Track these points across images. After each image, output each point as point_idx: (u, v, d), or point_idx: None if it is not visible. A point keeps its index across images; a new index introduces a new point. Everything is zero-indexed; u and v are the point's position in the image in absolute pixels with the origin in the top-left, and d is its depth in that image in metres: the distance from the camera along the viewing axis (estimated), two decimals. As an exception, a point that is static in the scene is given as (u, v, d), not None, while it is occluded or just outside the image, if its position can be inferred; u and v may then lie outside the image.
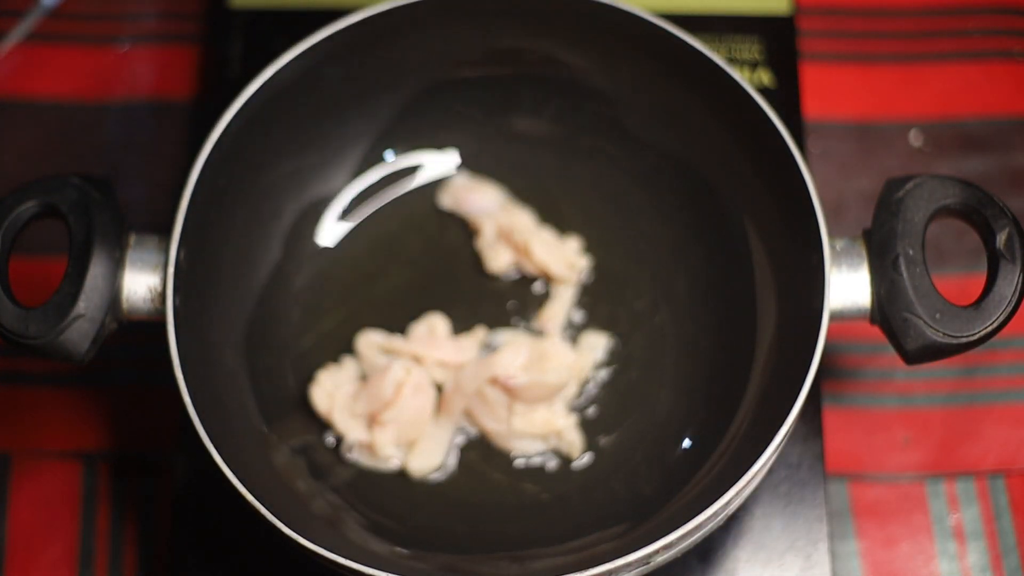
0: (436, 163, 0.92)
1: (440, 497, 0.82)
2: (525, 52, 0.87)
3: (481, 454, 0.84)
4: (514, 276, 0.89)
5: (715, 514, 0.69)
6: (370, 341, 0.85)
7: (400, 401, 0.81)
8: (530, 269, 0.88)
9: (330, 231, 0.90)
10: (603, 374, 0.86)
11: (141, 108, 1.03)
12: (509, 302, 0.88)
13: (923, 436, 0.91)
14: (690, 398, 0.84)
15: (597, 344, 0.86)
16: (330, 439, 0.83)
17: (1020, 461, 0.90)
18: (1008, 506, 0.89)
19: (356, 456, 0.82)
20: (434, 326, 0.86)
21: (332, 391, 0.83)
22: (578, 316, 0.88)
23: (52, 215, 0.73)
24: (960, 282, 0.94)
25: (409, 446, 0.82)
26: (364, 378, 0.85)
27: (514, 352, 0.82)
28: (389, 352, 0.85)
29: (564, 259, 0.87)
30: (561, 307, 0.87)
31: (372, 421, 0.82)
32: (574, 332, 0.87)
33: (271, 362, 0.84)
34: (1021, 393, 0.92)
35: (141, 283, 0.73)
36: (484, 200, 0.90)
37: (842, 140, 1.01)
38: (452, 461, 0.83)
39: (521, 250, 0.87)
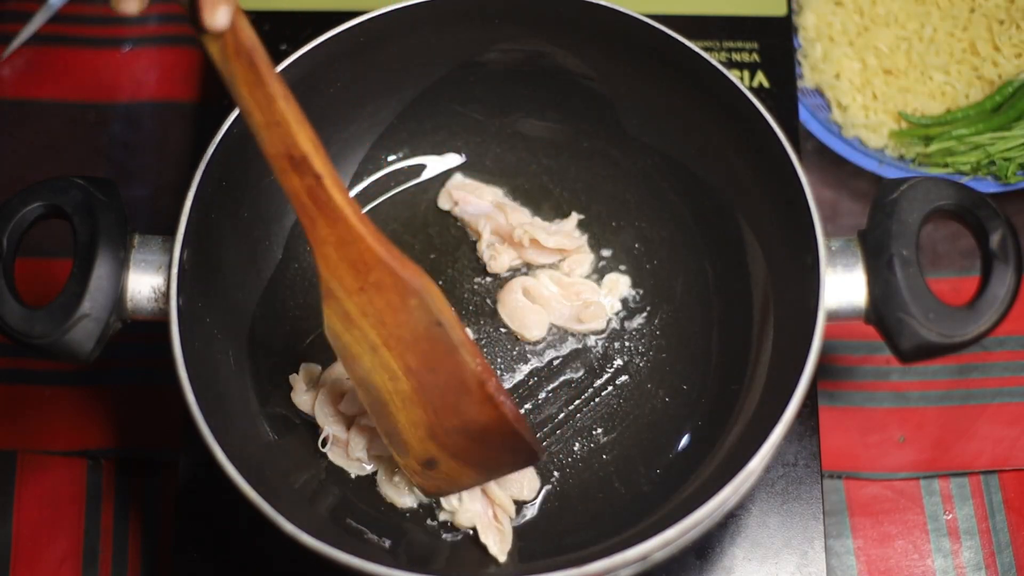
0: (437, 164, 0.93)
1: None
2: (525, 54, 0.87)
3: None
4: (520, 271, 0.90)
5: (712, 512, 0.69)
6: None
7: None
8: (534, 261, 0.89)
9: (331, 232, 0.91)
10: (602, 373, 0.86)
11: (145, 110, 1.04)
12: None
13: (918, 435, 0.92)
14: (687, 397, 0.85)
15: (621, 280, 0.89)
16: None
17: (1014, 460, 0.90)
18: (1002, 504, 0.89)
19: (330, 453, 0.83)
20: None
21: (314, 388, 0.83)
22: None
23: (57, 216, 0.74)
24: (954, 283, 0.94)
25: (379, 458, 0.83)
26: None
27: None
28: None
29: (570, 235, 0.89)
30: (586, 259, 0.90)
31: (354, 422, 0.82)
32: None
33: (273, 361, 0.85)
34: (1015, 392, 0.92)
35: (145, 283, 0.74)
36: (481, 202, 0.90)
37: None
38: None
39: (527, 245, 0.88)
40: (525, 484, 0.81)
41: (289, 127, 0.64)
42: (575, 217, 0.90)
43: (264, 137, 0.64)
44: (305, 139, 0.64)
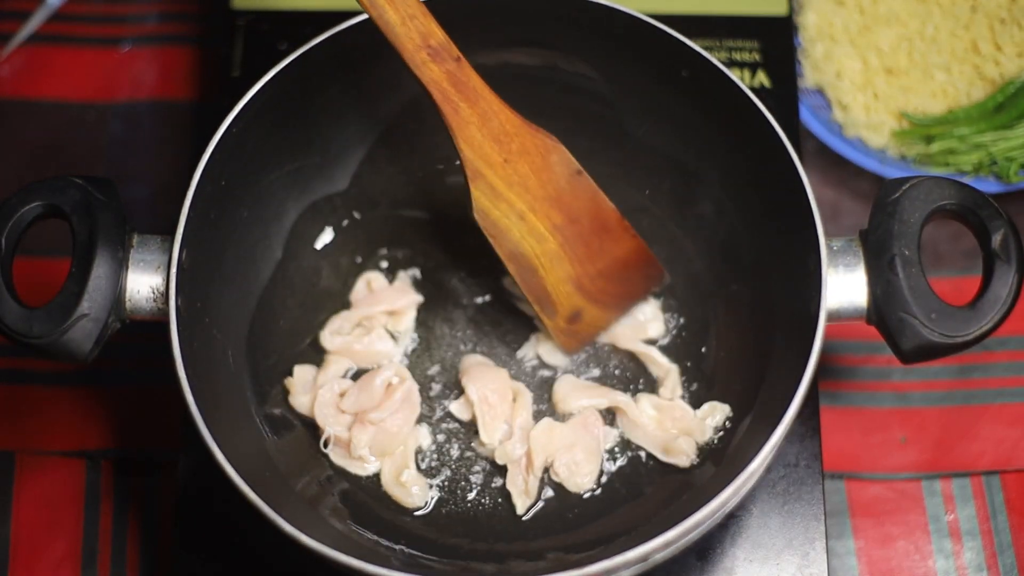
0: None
1: (441, 499, 0.83)
2: (525, 54, 0.87)
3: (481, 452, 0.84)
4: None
5: (713, 512, 0.69)
6: (332, 330, 0.87)
7: (388, 403, 0.82)
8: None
9: (330, 231, 0.90)
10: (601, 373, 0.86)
11: (144, 109, 1.03)
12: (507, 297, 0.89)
13: (919, 435, 0.91)
14: (688, 397, 0.85)
15: (718, 408, 0.83)
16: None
17: (1015, 460, 0.90)
18: (1003, 505, 0.89)
19: (332, 453, 0.83)
20: (369, 282, 0.88)
21: (313, 388, 0.83)
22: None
23: (56, 216, 0.73)
24: (955, 283, 0.94)
25: (382, 455, 0.83)
26: (354, 377, 0.86)
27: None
28: (352, 329, 0.86)
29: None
30: (676, 377, 0.85)
31: (356, 419, 0.82)
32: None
33: (272, 361, 0.85)
34: (1016, 393, 0.92)
35: (144, 283, 0.73)
36: None
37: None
38: (454, 455, 0.84)
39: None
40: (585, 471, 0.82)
41: (424, 17, 0.69)
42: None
43: (401, 33, 0.69)
44: (438, 27, 0.69)
